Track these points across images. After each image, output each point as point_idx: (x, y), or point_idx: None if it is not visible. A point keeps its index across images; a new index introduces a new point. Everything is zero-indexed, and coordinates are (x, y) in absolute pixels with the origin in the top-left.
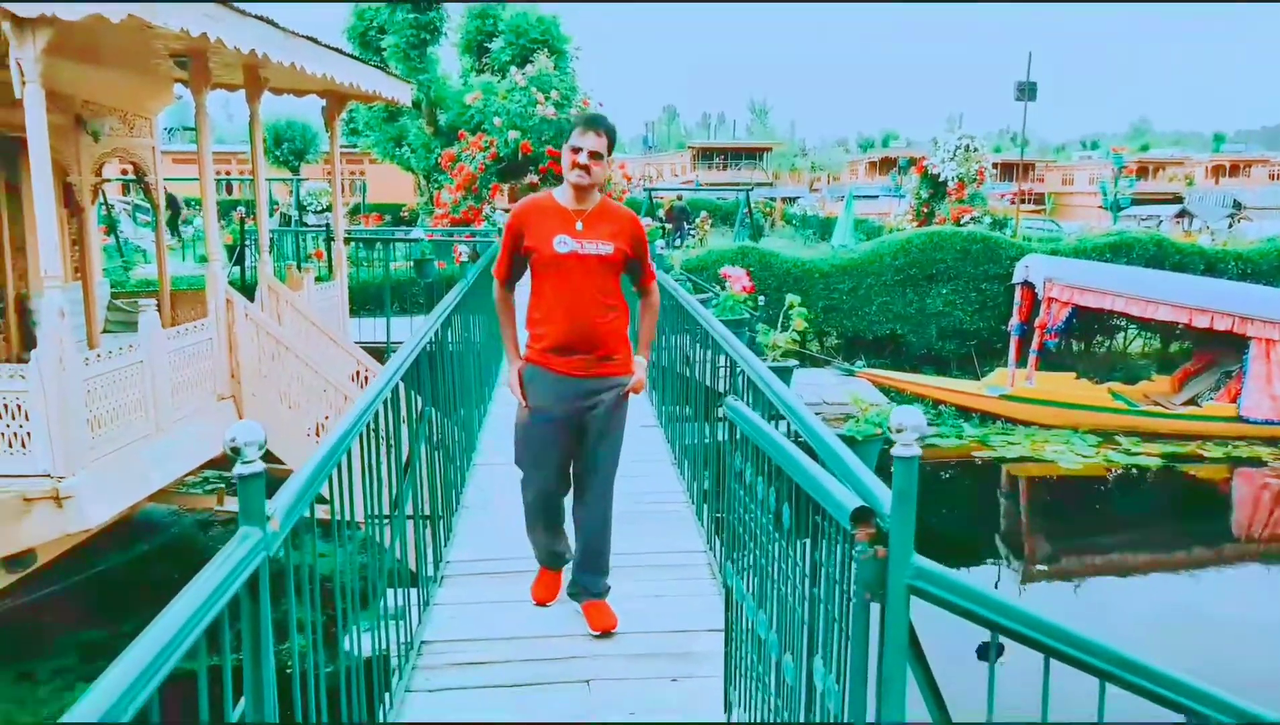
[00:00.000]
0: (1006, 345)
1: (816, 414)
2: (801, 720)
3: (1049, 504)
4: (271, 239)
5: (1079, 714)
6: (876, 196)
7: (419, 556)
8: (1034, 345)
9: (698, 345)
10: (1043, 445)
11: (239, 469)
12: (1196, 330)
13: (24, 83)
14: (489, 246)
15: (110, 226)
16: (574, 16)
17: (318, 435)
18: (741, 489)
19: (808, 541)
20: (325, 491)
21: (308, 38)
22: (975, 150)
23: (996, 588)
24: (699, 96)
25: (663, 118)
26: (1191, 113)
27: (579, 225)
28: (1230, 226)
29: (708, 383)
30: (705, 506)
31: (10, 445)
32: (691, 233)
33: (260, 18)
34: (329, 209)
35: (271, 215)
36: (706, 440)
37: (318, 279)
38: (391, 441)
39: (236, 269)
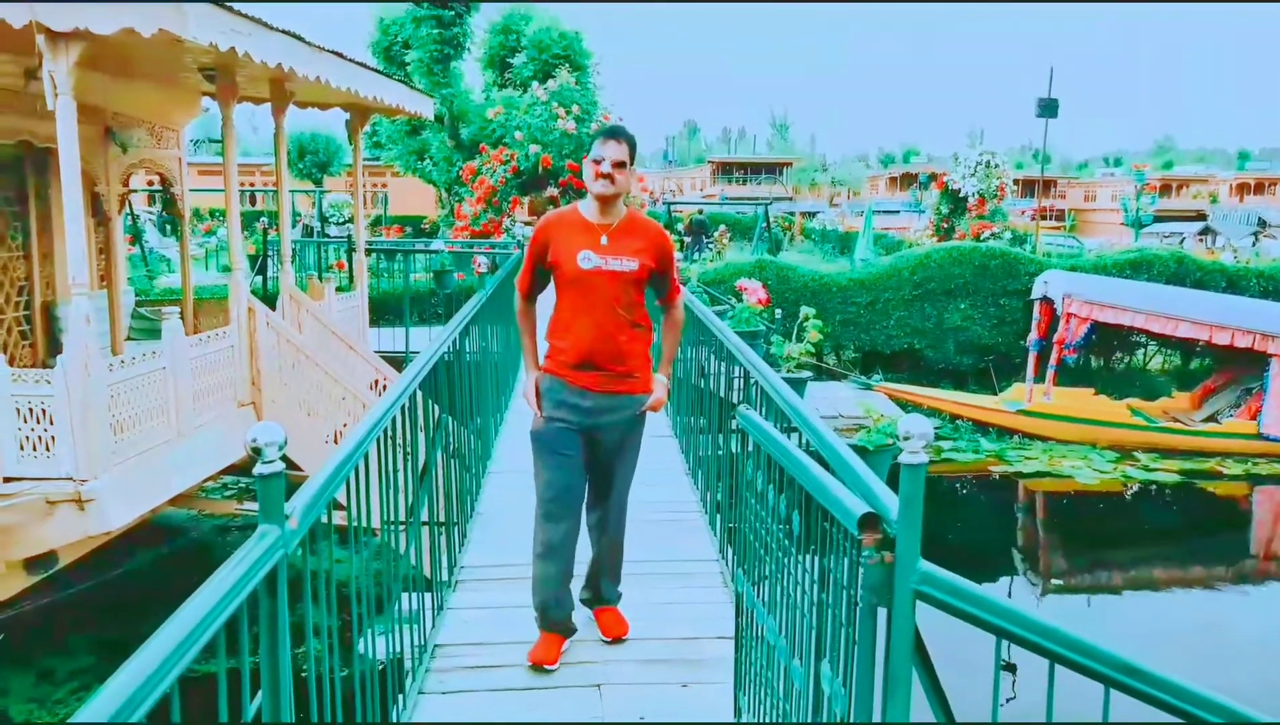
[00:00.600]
0: (1024, 361)
1: (832, 427)
2: (808, 723)
3: (1066, 519)
4: (294, 249)
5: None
6: (898, 212)
7: (434, 561)
8: (1052, 361)
9: (713, 357)
10: (1060, 461)
11: (259, 468)
12: (1217, 347)
13: (56, 95)
14: (508, 258)
15: (135, 236)
16: (595, 31)
17: (336, 443)
18: (753, 497)
19: (817, 548)
20: (342, 497)
21: (333, 52)
22: (996, 166)
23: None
24: (720, 111)
25: (683, 132)
26: (1216, 130)
27: (604, 240)
28: (1254, 244)
29: (722, 394)
30: (718, 517)
31: (35, 449)
32: (709, 246)
33: (287, 32)
34: (351, 220)
35: (294, 226)
36: (720, 452)
37: (339, 289)
38: (408, 448)
39: (259, 278)
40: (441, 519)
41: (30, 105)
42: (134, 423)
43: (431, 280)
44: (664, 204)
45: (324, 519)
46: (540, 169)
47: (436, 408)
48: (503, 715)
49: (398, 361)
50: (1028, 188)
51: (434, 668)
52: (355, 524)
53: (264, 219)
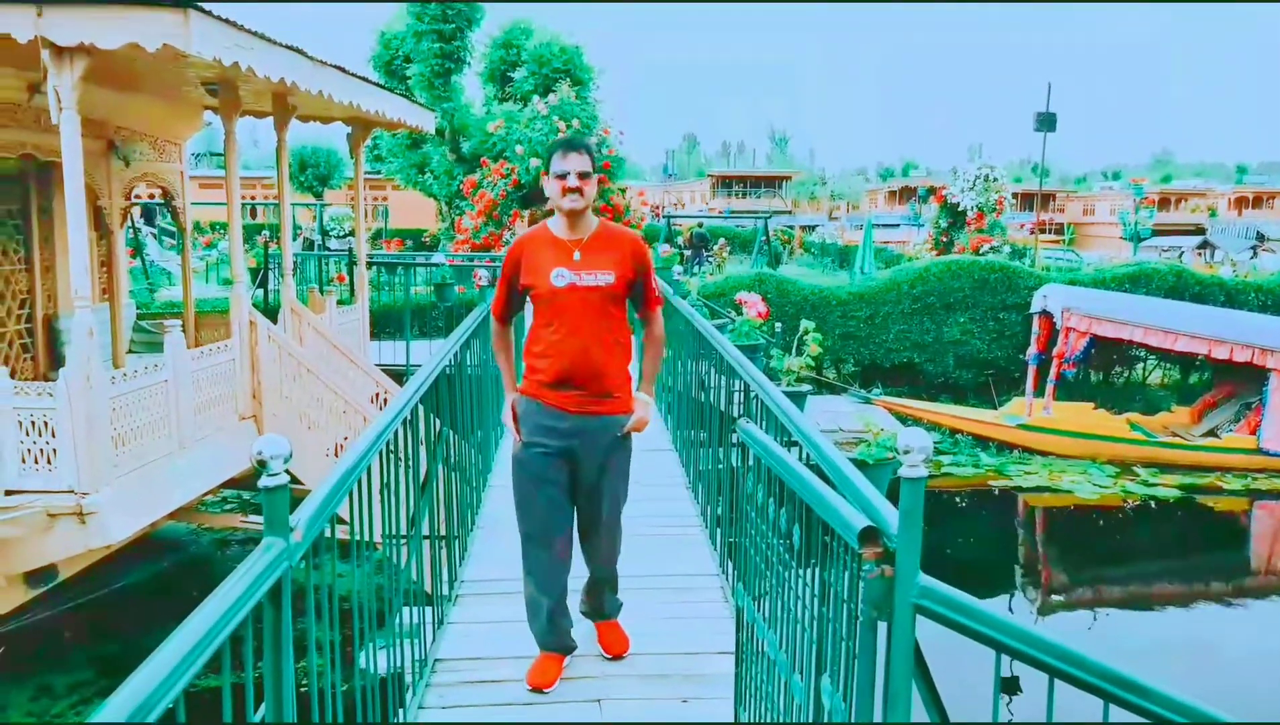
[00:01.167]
0: (1024, 375)
1: (832, 440)
2: None
3: (1066, 534)
4: (295, 263)
5: None
6: (898, 226)
7: (434, 575)
8: (1051, 375)
9: (713, 370)
10: (1060, 475)
11: (265, 481)
12: (1216, 361)
13: (61, 109)
14: None
15: (136, 249)
16: (595, 46)
17: (337, 456)
18: (753, 511)
19: (817, 562)
20: (344, 512)
21: (335, 66)
22: (995, 180)
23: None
24: (719, 125)
25: (683, 146)
26: (1215, 144)
27: (576, 255)
28: (1252, 258)
29: (722, 408)
30: (719, 531)
31: (36, 461)
32: (709, 259)
33: (290, 47)
34: (352, 234)
35: (295, 239)
36: (720, 465)
37: (339, 302)
38: (409, 462)
39: (260, 291)
40: (442, 532)
41: (34, 119)
42: (135, 436)
43: (432, 293)
44: (664, 217)
45: (326, 533)
46: (541, 182)
47: (437, 421)
48: None
49: (398, 374)
50: (1026, 201)
51: (434, 682)
52: (357, 539)
53: (265, 232)
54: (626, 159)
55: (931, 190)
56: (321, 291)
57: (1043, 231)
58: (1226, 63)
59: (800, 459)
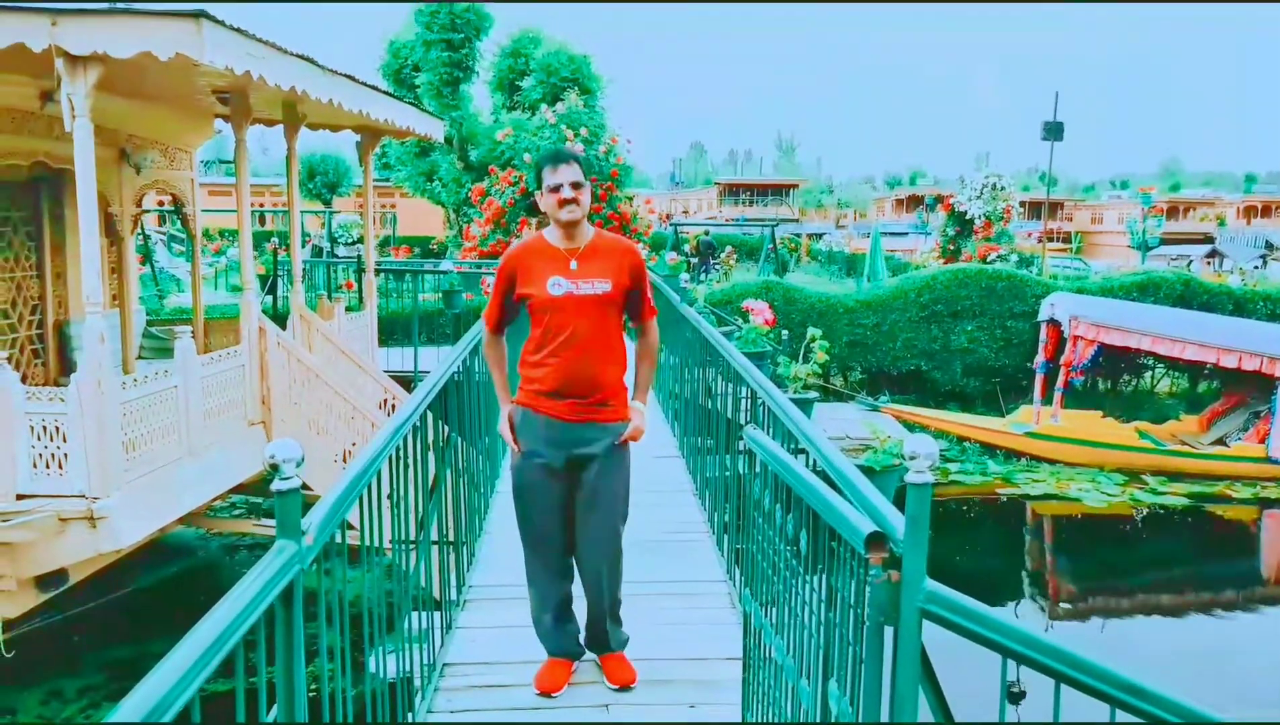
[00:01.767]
0: (1031, 383)
1: (839, 447)
2: None
3: (1074, 543)
4: (304, 269)
5: None
6: (906, 234)
7: (443, 580)
8: (1059, 383)
9: (720, 377)
10: (1068, 483)
11: (277, 484)
12: (1225, 370)
13: (74, 117)
14: None
15: (146, 256)
16: (603, 54)
17: (345, 462)
18: (761, 517)
19: (824, 568)
20: (353, 518)
21: (345, 75)
22: (1002, 188)
23: None
24: (726, 133)
25: (690, 154)
26: (1223, 152)
27: (573, 264)
28: (1261, 267)
29: (729, 415)
30: (726, 537)
31: (48, 466)
32: (716, 267)
33: (301, 56)
34: (360, 241)
35: (304, 246)
36: (728, 472)
37: (348, 309)
38: (418, 467)
39: (269, 298)
40: (450, 538)
41: (46, 127)
42: (146, 441)
43: (440, 300)
44: (671, 225)
45: (337, 538)
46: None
47: (445, 427)
48: None
49: (406, 381)
50: (1034, 210)
51: (443, 686)
52: (367, 544)
53: (274, 239)
54: (634, 167)
55: (939, 199)
56: (330, 298)
57: (1050, 240)
58: (1235, 71)
59: (807, 466)
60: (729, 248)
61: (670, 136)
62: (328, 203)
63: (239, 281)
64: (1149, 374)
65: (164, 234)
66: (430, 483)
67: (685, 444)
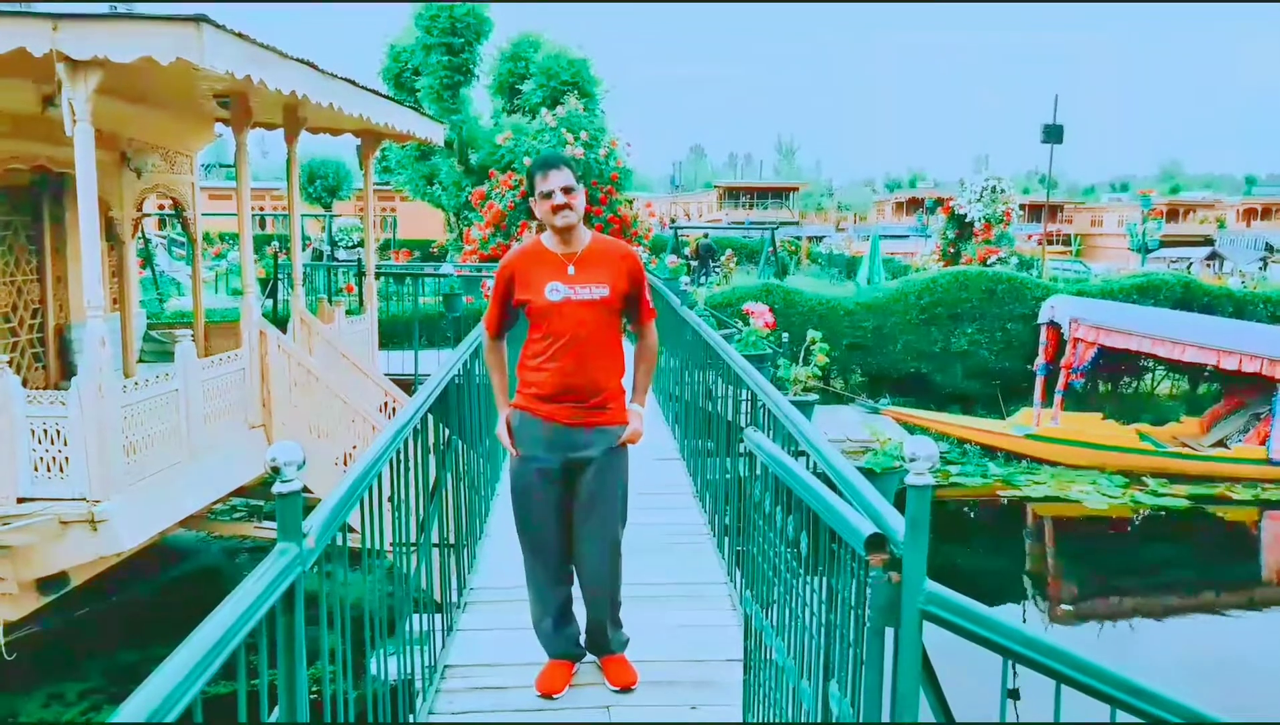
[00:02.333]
0: (1032, 385)
1: (839, 450)
2: None
3: (1075, 545)
4: (304, 273)
5: None
6: (907, 236)
7: (443, 582)
8: (1059, 385)
9: (720, 379)
10: (1069, 485)
11: (278, 487)
12: (1225, 372)
13: (75, 121)
14: None
15: (146, 259)
16: (602, 57)
17: (345, 465)
18: (761, 519)
19: (825, 569)
20: (354, 521)
21: (345, 79)
22: (1002, 191)
23: None
24: (726, 136)
25: (689, 157)
26: (1223, 155)
27: (571, 269)
28: (1261, 269)
29: (729, 417)
30: (726, 539)
31: (49, 469)
32: (716, 270)
33: (301, 60)
34: (360, 244)
35: (304, 250)
36: (728, 474)
37: (348, 312)
38: (419, 470)
39: (270, 302)
40: (451, 540)
41: (47, 131)
42: (146, 444)
43: (440, 304)
44: (671, 228)
45: (338, 540)
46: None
47: (446, 430)
48: None
49: (407, 384)
50: (1034, 212)
51: (444, 688)
52: (368, 546)
53: (274, 243)
54: (634, 170)
55: (939, 201)
56: (330, 302)
57: (1050, 243)
58: (1235, 73)
59: (808, 468)
60: (729, 251)
61: (670, 140)
62: (328, 206)
63: (239, 285)
64: (1149, 376)
65: (164, 238)
66: (431, 485)
67: (685, 446)
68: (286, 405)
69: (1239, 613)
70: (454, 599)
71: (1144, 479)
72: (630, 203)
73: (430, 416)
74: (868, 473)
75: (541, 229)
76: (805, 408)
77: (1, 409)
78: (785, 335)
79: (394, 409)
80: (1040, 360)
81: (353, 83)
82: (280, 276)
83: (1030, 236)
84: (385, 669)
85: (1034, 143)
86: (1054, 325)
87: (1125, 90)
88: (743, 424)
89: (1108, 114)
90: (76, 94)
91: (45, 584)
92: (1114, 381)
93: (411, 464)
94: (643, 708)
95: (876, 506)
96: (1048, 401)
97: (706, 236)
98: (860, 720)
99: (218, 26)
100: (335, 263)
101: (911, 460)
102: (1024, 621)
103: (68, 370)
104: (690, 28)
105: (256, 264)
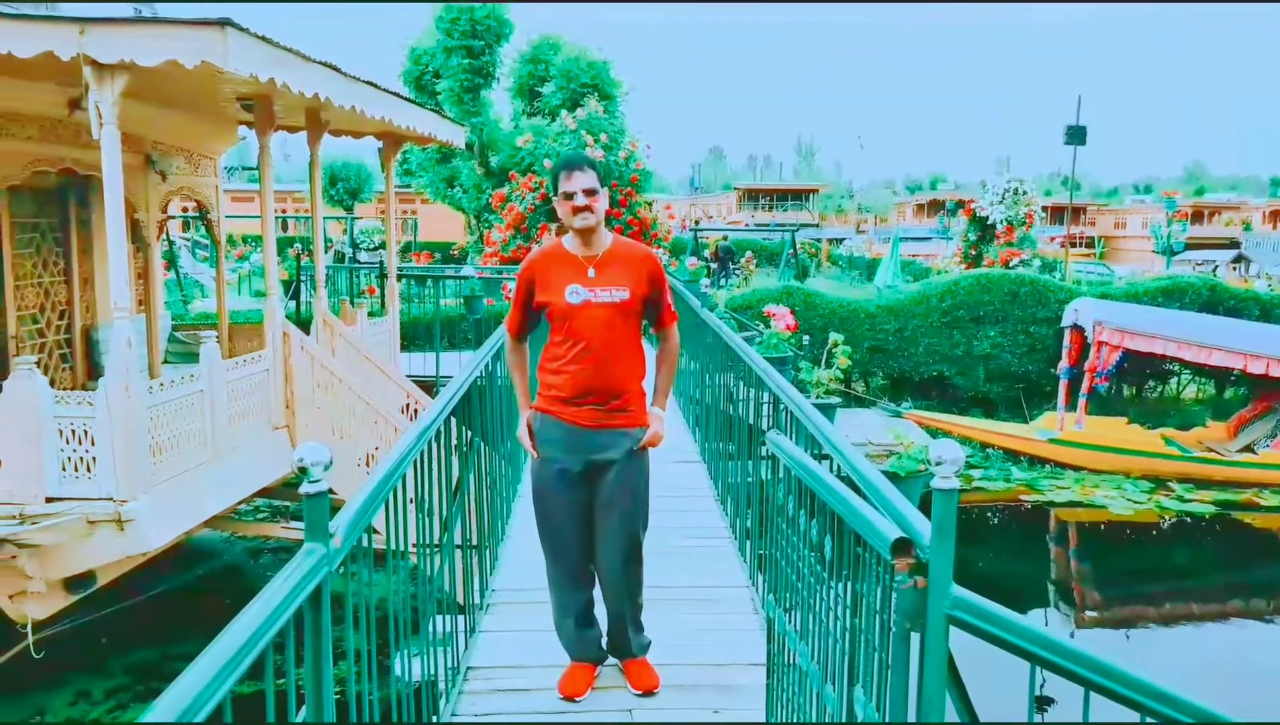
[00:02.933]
0: (1055, 389)
1: (862, 453)
2: None
3: (1100, 551)
4: (326, 275)
5: None
6: (929, 239)
7: (466, 584)
8: (1083, 389)
9: (741, 382)
10: (1093, 490)
11: (305, 488)
12: (1252, 376)
13: (101, 124)
14: None
15: (170, 261)
16: (622, 60)
17: (368, 466)
18: (784, 522)
19: (849, 573)
20: (378, 522)
21: (367, 82)
22: (1024, 193)
23: None
24: (745, 137)
25: (709, 159)
26: (1248, 156)
27: (591, 272)
28: None
29: (750, 420)
30: (748, 543)
31: (77, 469)
32: (736, 272)
33: (324, 63)
34: (382, 246)
35: (326, 252)
36: (750, 478)
37: (370, 314)
38: (442, 472)
39: (292, 303)
40: (474, 542)
41: (74, 134)
42: (172, 445)
43: (461, 306)
44: (691, 230)
45: (364, 541)
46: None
47: (468, 432)
48: None
49: (428, 386)
50: (1057, 214)
51: (467, 689)
52: (392, 547)
53: (297, 245)
54: (654, 172)
55: (960, 203)
56: (353, 303)
57: (1073, 245)
58: (1260, 74)
59: (831, 471)
60: (748, 253)
61: (689, 141)
62: (349, 209)
63: (262, 287)
64: (1175, 380)
65: (188, 240)
66: (454, 487)
67: (706, 449)
68: (310, 406)
69: (1267, 619)
70: (476, 600)
71: (1170, 484)
72: (650, 205)
73: (453, 418)
74: (892, 476)
75: (562, 231)
76: (827, 411)
77: (30, 409)
78: (806, 338)
79: (416, 410)
80: (1064, 363)
81: (374, 85)
82: (303, 278)
83: (1053, 239)
84: (409, 669)
85: (1056, 144)
86: (1078, 328)
87: (1149, 91)
88: (764, 427)
89: (1131, 115)
90: (103, 97)
91: (72, 583)
92: (1139, 385)
93: (435, 465)
94: (665, 710)
95: (902, 510)
96: (1071, 405)
97: (725, 238)
98: (885, 723)
99: (242, 30)
100: (357, 265)
101: (937, 464)
102: (1046, 626)
103: (94, 371)
104: (708, 29)
105: (279, 266)
